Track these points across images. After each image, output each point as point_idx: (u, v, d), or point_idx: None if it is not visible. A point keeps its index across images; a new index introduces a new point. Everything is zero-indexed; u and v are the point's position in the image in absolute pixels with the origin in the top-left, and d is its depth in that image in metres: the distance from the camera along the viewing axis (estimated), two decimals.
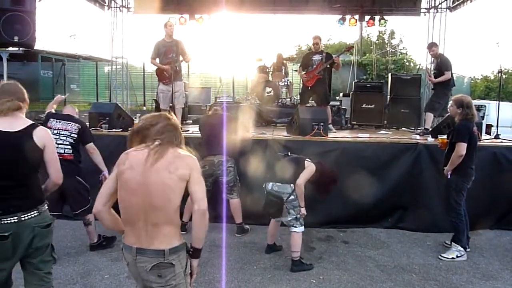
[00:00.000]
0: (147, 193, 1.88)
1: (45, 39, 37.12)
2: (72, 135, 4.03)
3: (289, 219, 3.88)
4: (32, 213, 2.29)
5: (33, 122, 2.40)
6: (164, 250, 1.89)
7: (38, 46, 7.18)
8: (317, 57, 6.93)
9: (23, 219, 2.25)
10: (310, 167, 3.87)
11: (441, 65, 6.28)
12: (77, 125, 4.08)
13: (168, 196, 1.89)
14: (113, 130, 5.74)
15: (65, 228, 4.89)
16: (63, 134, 4.01)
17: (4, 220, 2.21)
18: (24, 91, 2.49)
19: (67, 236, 4.69)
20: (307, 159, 3.96)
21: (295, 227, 3.85)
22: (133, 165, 1.92)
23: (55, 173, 2.44)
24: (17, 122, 2.33)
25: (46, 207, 2.41)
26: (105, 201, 1.99)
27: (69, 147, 4.00)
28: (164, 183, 1.88)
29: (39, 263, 2.39)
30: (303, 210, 3.86)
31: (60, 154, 3.31)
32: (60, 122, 4.06)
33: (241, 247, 4.47)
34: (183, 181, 1.92)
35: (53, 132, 3.80)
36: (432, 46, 6.61)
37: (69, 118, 4.13)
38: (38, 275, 2.40)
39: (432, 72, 6.45)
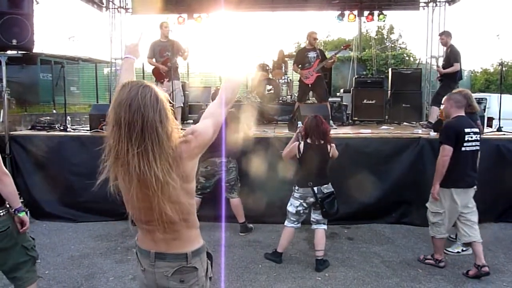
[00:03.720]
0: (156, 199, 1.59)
1: (44, 41, 37.18)
2: None
3: (320, 217, 3.86)
4: None
5: None
6: (187, 253, 1.69)
7: (37, 49, 7.16)
8: (312, 54, 6.90)
9: None
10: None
11: (450, 56, 6.21)
12: None
13: (177, 198, 1.62)
14: None
15: (68, 231, 4.88)
16: None
17: None
18: None
19: (70, 239, 4.68)
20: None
21: (324, 224, 3.86)
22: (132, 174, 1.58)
23: None
24: None
25: (4, 212, 2.45)
26: None
27: None
28: (168, 187, 1.56)
29: (13, 266, 2.50)
30: None
31: None
32: None
33: (245, 246, 4.45)
34: (186, 178, 1.61)
35: None
36: (442, 34, 6.56)
37: None
38: (18, 276, 2.52)
39: (441, 63, 6.38)
